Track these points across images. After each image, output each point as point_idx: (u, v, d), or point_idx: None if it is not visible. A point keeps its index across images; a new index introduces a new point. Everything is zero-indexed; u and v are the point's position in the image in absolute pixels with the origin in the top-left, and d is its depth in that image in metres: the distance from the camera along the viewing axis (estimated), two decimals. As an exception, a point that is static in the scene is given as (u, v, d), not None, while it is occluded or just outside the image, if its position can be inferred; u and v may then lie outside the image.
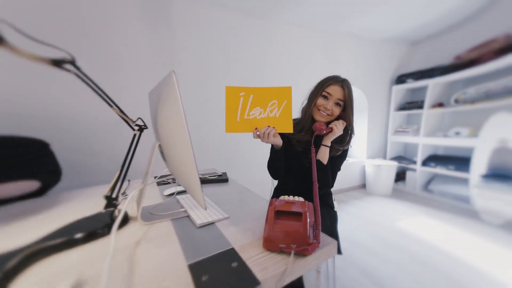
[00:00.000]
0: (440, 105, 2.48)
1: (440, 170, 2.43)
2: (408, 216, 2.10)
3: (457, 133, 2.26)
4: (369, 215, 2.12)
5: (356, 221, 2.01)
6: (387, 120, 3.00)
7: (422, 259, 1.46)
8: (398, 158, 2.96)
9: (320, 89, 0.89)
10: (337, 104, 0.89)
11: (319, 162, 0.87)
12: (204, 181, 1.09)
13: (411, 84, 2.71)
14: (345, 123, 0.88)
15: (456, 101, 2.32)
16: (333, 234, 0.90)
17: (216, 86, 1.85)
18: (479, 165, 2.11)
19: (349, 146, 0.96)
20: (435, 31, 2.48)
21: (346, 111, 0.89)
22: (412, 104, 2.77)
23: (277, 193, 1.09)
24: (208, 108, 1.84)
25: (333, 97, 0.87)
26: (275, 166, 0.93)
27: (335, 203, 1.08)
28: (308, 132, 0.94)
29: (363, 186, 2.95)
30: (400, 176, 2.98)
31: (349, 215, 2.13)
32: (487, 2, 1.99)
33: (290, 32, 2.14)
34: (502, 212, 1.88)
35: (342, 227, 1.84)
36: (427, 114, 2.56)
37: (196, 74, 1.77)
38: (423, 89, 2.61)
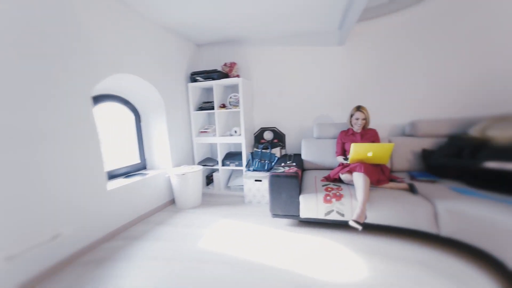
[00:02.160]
0: (224, 106, 2.64)
1: (233, 166, 2.61)
2: (212, 224, 1.90)
3: (235, 132, 2.50)
4: (174, 245, 1.62)
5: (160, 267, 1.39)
6: (190, 121, 2.77)
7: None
8: (206, 160, 2.87)
9: None
10: None
11: None
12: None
13: (202, 83, 2.64)
14: None
15: (230, 103, 2.56)
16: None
17: None
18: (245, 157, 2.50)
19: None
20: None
21: None
22: (208, 103, 2.75)
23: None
24: None
25: None
26: None
27: None
28: None
29: (173, 201, 2.49)
30: (210, 178, 2.93)
31: (150, 259, 1.47)
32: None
33: None
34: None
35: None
36: (218, 114, 2.62)
37: None
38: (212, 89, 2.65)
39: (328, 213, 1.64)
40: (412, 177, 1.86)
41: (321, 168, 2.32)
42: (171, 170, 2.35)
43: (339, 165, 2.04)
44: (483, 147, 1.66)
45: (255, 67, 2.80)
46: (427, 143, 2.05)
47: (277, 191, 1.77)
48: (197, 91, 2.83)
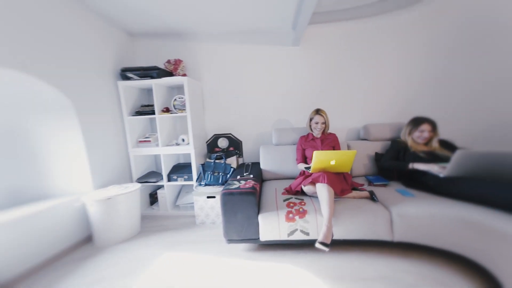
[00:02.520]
0: (168, 110, 2.21)
1: (181, 181, 2.19)
2: (151, 262, 1.45)
3: (183, 140, 2.11)
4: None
5: None
6: (124, 128, 2.22)
7: None
8: (149, 176, 2.35)
9: None
10: None
11: None
12: None
13: (138, 83, 2.14)
14: None
15: (174, 107, 2.16)
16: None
17: None
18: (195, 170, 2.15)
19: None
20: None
21: None
22: (148, 107, 2.26)
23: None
24: None
25: None
26: None
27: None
28: None
29: (88, 239, 1.82)
30: (155, 196, 2.42)
31: None
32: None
33: None
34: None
35: None
36: (160, 120, 2.16)
37: None
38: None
39: (292, 233, 1.43)
40: (369, 182, 1.84)
41: (282, 178, 2.13)
42: (90, 194, 1.75)
43: (300, 174, 1.89)
44: (407, 150, 1.78)
45: (207, 66, 2.46)
46: (378, 147, 2.09)
47: (231, 211, 1.47)
48: (133, 92, 2.30)
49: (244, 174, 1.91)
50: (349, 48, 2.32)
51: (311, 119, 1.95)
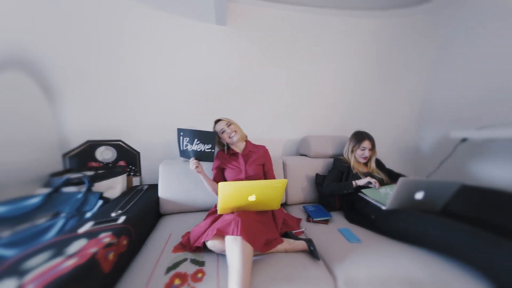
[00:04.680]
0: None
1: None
2: None
3: None
4: None
5: None
6: None
7: None
8: None
9: None
10: None
11: None
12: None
13: None
14: None
15: None
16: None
17: None
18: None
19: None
20: None
21: None
22: None
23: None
24: None
25: None
26: None
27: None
28: None
29: None
30: None
31: None
32: None
33: None
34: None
35: None
36: None
37: None
38: None
39: None
40: (308, 217, 1.36)
41: (191, 210, 1.43)
42: None
43: (215, 207, 1.25)
44: (350, 171, 1.47)
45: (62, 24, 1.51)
46: (320, 166, 1.68)
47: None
48: None
49: (117, 211, 1.10)
50: (290, 39, 1.84)
51: (217, 133, 1.35)
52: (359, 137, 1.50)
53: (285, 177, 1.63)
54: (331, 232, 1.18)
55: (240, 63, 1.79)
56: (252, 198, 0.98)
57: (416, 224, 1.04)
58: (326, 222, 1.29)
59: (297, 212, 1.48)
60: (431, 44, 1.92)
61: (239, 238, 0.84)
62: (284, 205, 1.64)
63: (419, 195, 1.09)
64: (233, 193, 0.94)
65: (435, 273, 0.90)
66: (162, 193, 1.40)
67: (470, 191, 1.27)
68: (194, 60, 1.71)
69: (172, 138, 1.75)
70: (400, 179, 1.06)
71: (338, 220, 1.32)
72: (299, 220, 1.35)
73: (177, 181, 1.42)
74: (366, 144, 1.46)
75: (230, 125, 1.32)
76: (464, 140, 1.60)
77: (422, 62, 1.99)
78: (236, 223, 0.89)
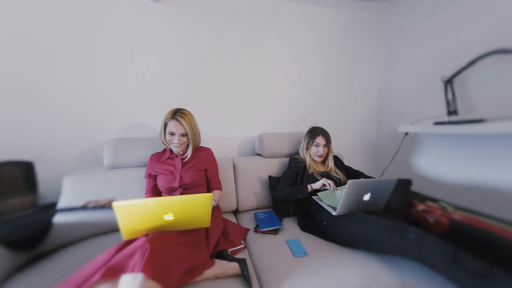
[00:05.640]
0: None
1: None
2: None
3: None
4: None
5: None
6: None
7: None
8: None
9: None
10: None
11: None
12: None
13: None
14: None
15: None
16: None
17: None
18: None
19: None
20: None
21: None
22: None
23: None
24: None
25: None
26: None
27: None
28: None
29: None
30: None
31: None
32: None
33: None
34: None
35: None
36: None
37: None
38: None
39: None
40: (256, 227, 1.19)
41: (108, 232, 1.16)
42: None
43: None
44: (306, 171, 1.35)
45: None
46: (275, 167, 1.52)
47: None
48: None
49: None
50: (244, 25, 1.63)
51: (165, 126, 1.11)
52: (313, 132, 1.38)
53: (235, 181, 1.45)
54: (278, 245, 1.03)
55: (183, 46, 1.53)
56: (169, 217, 0.76)
57: (360, 229, 0.95)
58: (275, 232, 1.14)
59: (247, 220, 1.30)
60: (383, 36, 1.90)
61: (139, 276, 0.63)
62: (235, 212, 1.46)
63: (366, 197, 1.00)
64: (135, 214, 0.71)
65: (383, 281, 0.79)
66: (61, 216, 1.07)
67: (404, 185, 1.23)
68: (128, 42, 1.41)
69: (94, 143, 1.45)
70: (349, 182, 0.94)
71: (289, 229, 1.18)
72: (247, 231, 1.18)
73: (90, 194, 1.13)
74: (319, 140, 1.34)
75: (185, 134, 1.08)
76: (406, 134, 1.59)
77: (378, 53, 1.95)
78: (143, 253, 0.67)
